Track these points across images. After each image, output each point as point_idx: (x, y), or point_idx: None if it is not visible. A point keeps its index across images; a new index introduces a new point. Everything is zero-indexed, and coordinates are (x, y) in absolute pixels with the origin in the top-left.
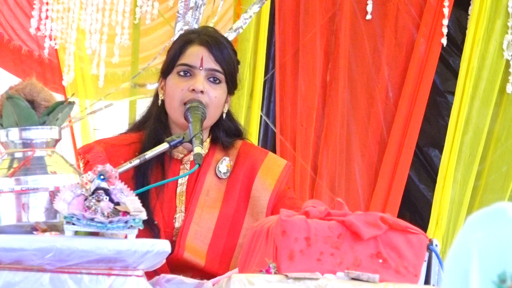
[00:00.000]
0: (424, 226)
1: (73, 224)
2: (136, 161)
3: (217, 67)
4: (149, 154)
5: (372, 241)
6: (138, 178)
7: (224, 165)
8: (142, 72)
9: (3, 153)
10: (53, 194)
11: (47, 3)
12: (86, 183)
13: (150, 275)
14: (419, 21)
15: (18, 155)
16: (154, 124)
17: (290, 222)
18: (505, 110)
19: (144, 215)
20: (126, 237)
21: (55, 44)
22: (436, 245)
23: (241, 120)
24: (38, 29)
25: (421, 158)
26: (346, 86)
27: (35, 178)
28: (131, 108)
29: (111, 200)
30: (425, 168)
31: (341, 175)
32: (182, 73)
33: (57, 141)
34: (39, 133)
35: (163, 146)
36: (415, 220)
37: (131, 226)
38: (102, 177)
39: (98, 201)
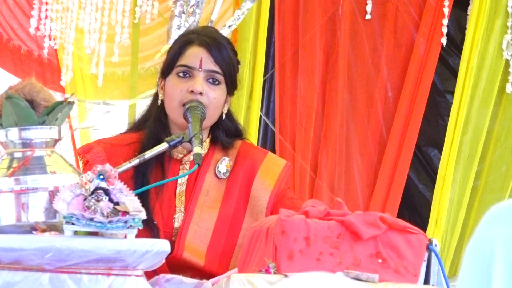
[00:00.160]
0: (423, 226)
1: (73, 224)
2: (135, 161)
3: (217, 69)
4: (149, 154)
5: (371, 241)
6: (138, 178)
7: (224, 165)
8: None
9: (3, 153)
10: (53, 194)
11: (46, 3)
12: (86, 183)
13: (149, 275)
14: (418, 21)
15: (18, 155)
16: (154, 124)
17: (289, 222)
18: (504, 110)
19: (143, 215)
20: (125, 237)
21: (55, 44)
22: (436, 245)
23: (240, 120)
24: (37, 29)
25: (421, 158)
26: (346, 86)
27: (35, 178)
28: (130, 108)
29: (110, 200)
30: (424, 168)
31: (341, 175)
32: (181, 74)
33: (56, 141)
34: (39, 133)
35: (163, 146)
36: (414, 220)
37: (131, 226)
38: (101, 177)
39: (98, 201)
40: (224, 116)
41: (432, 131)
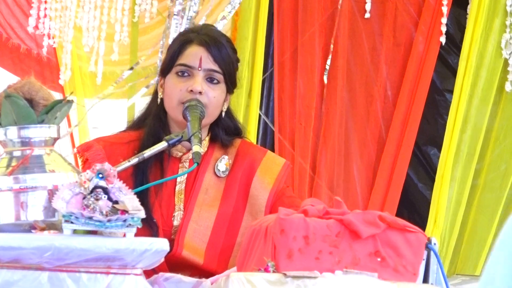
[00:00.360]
0: (422, 224)
1: (72, 222)
2: (134, 160)
3: (216, 68)
4: (148, 152)
5: (370, 240)
6: (137, 176)
7: (223, 163)
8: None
9: (2, 152)
10: (52, 193)
11: (45, 2)
12: (85, 182)
13: (148, 273)
14: (417, 19)
15: (17, 153)
16: (153, 122)
17: (288, 220)
18: (503, 109)
19: (142, 214)
20: (124, 235)
21: (54, 42)
22: (435, 244)
23: (239, 119)
24: (36, 27)
25: (420, 157)
26: (345, 85)
27: (34, 176)
28: (129, 106)
29: (109, 198)
30: (423, 167)
31: (340, 174)
32: (180, 73)
33: (55, 139)
34: (38, 132)
35: (162, 145)
36: (413, 218)
37: (130, 224)
38: (100, 175)
39: (97, 199)
40: (223, 114)
41: (431, 129)
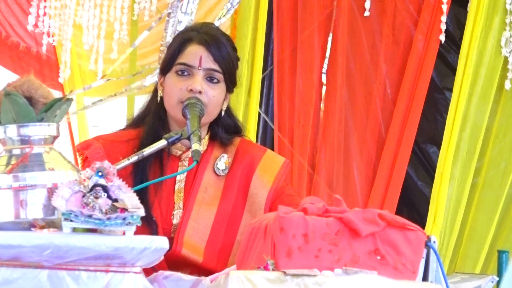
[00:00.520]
0: (422, 222)
1: (71, 220)
2: (134, 158)
3: (216, 67)
4: (147, 151)
5: (370, 238)
6: (137, 175)
7: (223, 162)
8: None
9: (1, 150)
10: (51, 191)
11: (45, 0)
12: (84, 180)
13: (148, 271)
14: (417, 18)
15: (16, 151)
16: (153, 120)
17: (288, 219)
18: (503, 107)
19: (142, 212)
20: (124, 233)
21: (53, 41)
22: (434, 242)
23: (239, 117)
24: (36, 26)
25: (419, 155)
26: (344, 83)
27: (33, 175)
28: (129, 104)
29: (109, 196)
30: (423, 165)
31: (339, 172)
32: (180, 72)
33: (55, 137)
34: (37, 130)
35: (161, 143)
36: (413, 216)
37: (129, 222)
38: (100, 173)
39: (96, 197)
40: (223, 113)
41: (430, 127)
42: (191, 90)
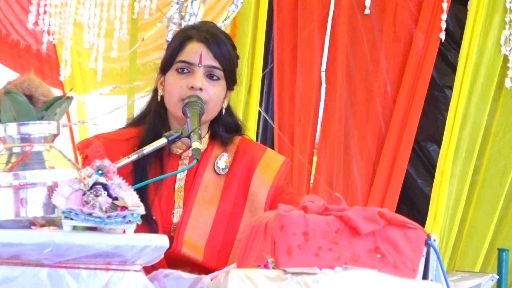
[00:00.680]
0: (422, 221)
1: (71, 219)
2: (134, 156)
3: (216, 64)
4: (147, 149)
5: (370, 236)
6: (137, 173)
7: (223, 161)
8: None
9: (1, 148)
10: (51, 189)
11: None
12: (84, 178)
13: (148, 270)
14: (417, 16)
15: (16, 150)
16: (153, 119)
17: (288, 217)
18: (503, 105)
19: (142, 210)
20: (124, 232)
21: (53, 39)
22: (434, 240)
23: (239, 115)
24: (36, 24)
25: (419, 153)
26: (344, 81)
27: (33, 173)
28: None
29: (109, 195)
30: (423, 163)
31: (339, 170)
32: (180, 70)
33: (55, 136)
34: (37, 128)
35: (161, 141)
36: (413, 215)
37: (129, 221)
38: (100, 172)
39: (96, 196)
40: (224, 111)
41: (431, 126)
42: (192, 87)
